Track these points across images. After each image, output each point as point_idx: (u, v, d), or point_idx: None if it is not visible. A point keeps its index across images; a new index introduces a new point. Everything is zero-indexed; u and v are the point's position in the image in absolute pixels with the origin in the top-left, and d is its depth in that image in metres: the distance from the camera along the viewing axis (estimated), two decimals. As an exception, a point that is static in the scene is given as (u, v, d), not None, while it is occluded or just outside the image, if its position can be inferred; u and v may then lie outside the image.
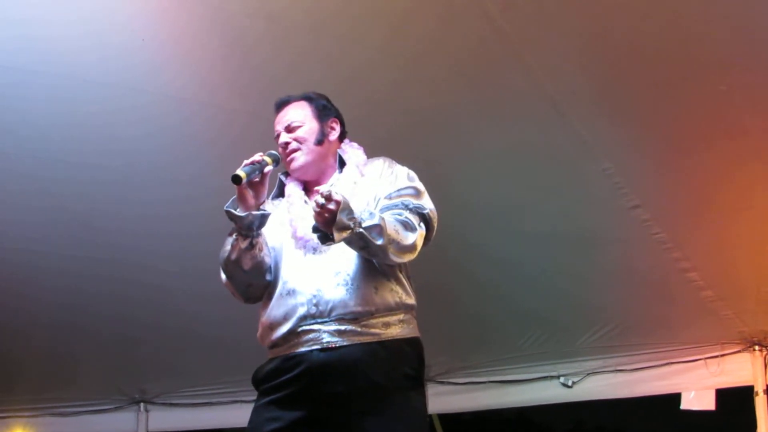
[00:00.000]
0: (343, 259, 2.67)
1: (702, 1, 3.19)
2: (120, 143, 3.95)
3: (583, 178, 4.07)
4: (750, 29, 3.25)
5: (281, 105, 2.89)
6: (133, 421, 6.04)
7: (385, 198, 2.74)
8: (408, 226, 2.66)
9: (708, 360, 5.13)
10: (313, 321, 2.64)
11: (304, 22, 3.36)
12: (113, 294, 4.90)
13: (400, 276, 2.74)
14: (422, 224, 2.72)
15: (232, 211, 2.66)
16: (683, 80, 3.49)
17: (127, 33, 3.41)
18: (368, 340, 2.63)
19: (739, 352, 5.06)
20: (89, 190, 4.20)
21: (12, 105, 3.71)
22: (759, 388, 4.90)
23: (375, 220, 2.55)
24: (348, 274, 2.66)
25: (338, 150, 2.89)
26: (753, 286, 4.60)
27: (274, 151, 2.77)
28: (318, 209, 2.48)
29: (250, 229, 2.68)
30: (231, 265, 2.72)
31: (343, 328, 2.63)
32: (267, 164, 2.69)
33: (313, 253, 2.70)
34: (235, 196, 2.66)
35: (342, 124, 2.91)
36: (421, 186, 2.79)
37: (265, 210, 2.70)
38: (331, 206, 2.46)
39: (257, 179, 2.67)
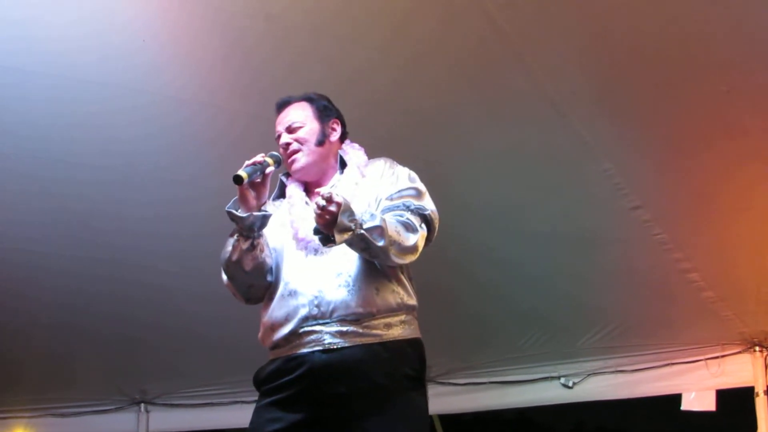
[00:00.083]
0: (345, 260, 2.67)
1: (702, 2, 3.19)
2: (120, 144, 3.95)
3: (584, 179, 4.07)
4: (750, 30, 3.25)
5: (282, 105, 2.89)
6: (133, 421, 6.04)
7: (386, 199, 2.74)
8: (409, 228, 2.66)
9: (708, 361, 5.13)
10: (314, 322, 2.64)
11: (304, 23, 3.36)
12: (114, 294, 4.90)
13: (402, 277, 2.74)
14: (423, 225, 2.72)
15: (234, 211, 2.66)
16: (683, 80, 3.49)
17: (127, 33, 3.41)
18: (370, 341, 2.63)
19: (739, 352, 5.05)
20: (89, 190, 4.20)
21: (12, 105, 3.71)
22: (759, 389, 4.89)
23: (376, 222, 2.55)
24: (349, 275, 2.66)
25: (339, 151, 2.89)
26: (753, 286, 4.59)
27: (275, 152, 2.77)
28: (319, 211, 2.48)
29: (251, 229, 2.68)
30: (232, 266, 2.72)
31: (344, 329, 2.63)
32: (268, 165, 2.69)
33: (315, 254, 2.70)
34: (236, 197, 2.67)
35: (343, 125, 2.92)
36: (422, 187, 2.79)
37: (266, 211, 2.70)
38: (332, 208, 2.46)
39: (258, 180, 2.67)
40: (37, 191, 4.19)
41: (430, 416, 5.45)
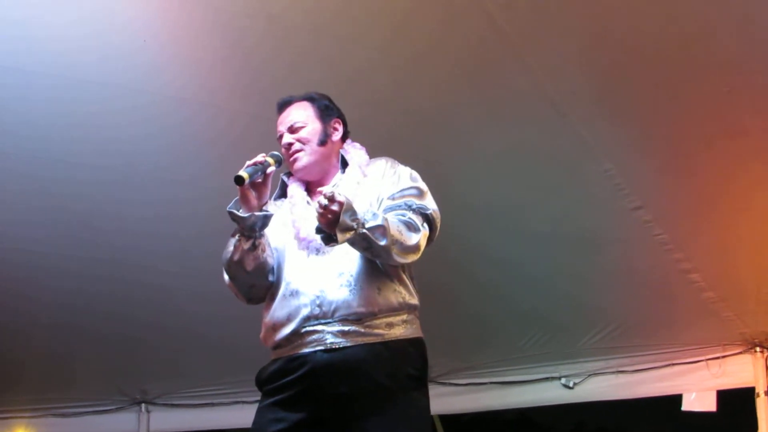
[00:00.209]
0: (347, 260, 2.67)
1: (703, 2, 3.19)
2: (120, 144, 3.94)
3: (584, 179, 4.06)
4: (751, 30, 3.25)
5: (283, 105, 2.89)
6: (134, 421, 6.04)
7: (388, 198, 2.74)
8: (411, 227, 2.66)
9: (709, 361, 5.12)
10: (316, 322, 2.64)
11: (304, 23, 3.36)
12: (114, 294, 4.90)
13: (403, 276, 2.74)
14: (425, 225, 2.72)
15: (235, 212, 2.66)
16: (684, 81, 3.49)
17: (127, 34, 3.40)
18: (372, 341, 2.63)
19: (740, 353, 5.05)
20: (89, 190, 4.20)
21: (12, 105, 3.71)
22: (760, 390, 4.89)
23: (378, 221, 2.55)
24: (351, 275, 2.66)
25: (340, 150, 2.89)
26: (754, 287, 4.59)
27: (276, 152, 2.77)
28: (321, 210, 2.48)
29: (252, 229, 2.68)
30: (234, 266, 2.72)
31: (346, 328, 2.63)
32: (270, 165, 2.69)
33: (316, 254, 2.70)
34: (237, 197, 2.66)
35: (344, 125, 2.92)
36: (424, 186, 2.79)
37: (267, 211, 2.70)
38: (334, 207, 2.46)
39: (260, 180, 2.67)
40: (37, 191, 4.19)
41: (431, 416, 5.46)
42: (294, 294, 2.69)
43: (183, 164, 4.07)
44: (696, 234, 4.32)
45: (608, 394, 5.49)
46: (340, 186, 2.76)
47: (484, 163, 4.04)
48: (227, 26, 3.39)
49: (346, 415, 2.61)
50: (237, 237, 2.70)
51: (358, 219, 2.51)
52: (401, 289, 2.71)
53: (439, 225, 2.78)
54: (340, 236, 2.49)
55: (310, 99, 2.89)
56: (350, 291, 2.64)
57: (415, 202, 2.73)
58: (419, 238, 2.67)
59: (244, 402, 5.76)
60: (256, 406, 2.77)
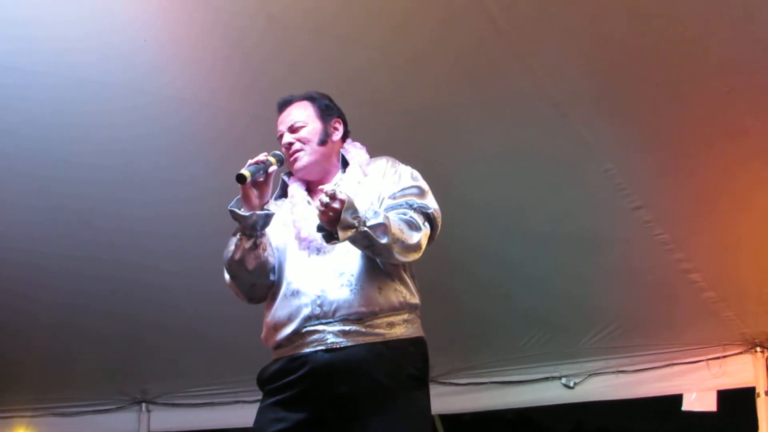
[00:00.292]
0: (347, 259, 2.67)
1: (703, 2, 3.19)
2: (120, 143, 3.95)
3: (585, 179, 4.06)
4: (751, 30, 3.25)
5: (284, 105, 2.89)
6: (134, 421, 6.04)
7: (389, 198, 2.74)
8: (413, 226, 2.66)
9: (710, 361, 5.12)
10: (317, 322, 2.64)
11: (304, 23, 3.36)
12: (114, 294, 4.90)
13: (404, 276, 2.74)
14: (427, 223, 2.72)
15: (236, 210, 2.66)
16: (684, 81, 3.49)
17: (128, 33, 3.41)
18: (373, 341, 2.63)
19: (740, 353, 5.04)
20: (89, 189, 4.20)
21: (12, 105, 3.72)
22: (761, 390, 4.89)
23: (379, 219, 2.55)
24: (352, 275, 2.66)
25: (341, 150, 2.89)
26: (755, 287, 4.59)
27: (278, 152, 2.77)
28: (322, 208, 2.48)
29: (254, 228, 2.68)
30: (235, 265, 2.72)
31: (347, 328, 2.63)
32: (271, 164, 2.70)
33: (317, 254, 2.70)
34: (239, 196, 2.66)
35: (345, 124, 2.92)
36: (425, 185, 2.79)
37: (269, 210, 2.70)
38: (336, 205, 2.46)
39: (261, 179, 2.67)
40: (37, 190, 4.20)
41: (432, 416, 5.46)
42: (295, 294, 2.69)
43: (183, 164, 4.07)
44: (696, 234, 4.32)
45: (608, 394, 5.48)
46: (341, 185, 2.75)
47: (485, 163, 4.03)
48: (227, 26, 3.39)
49: (347, 414, 2.61)
50: (238, 236, 2.70)
51: (359, 217, 2.51)
52: (402, 288, 2.71)
53: (440, 224, 2.78)
54: (341, 234, 2.49)
55: (310, 98, 2.89)
56: (351, 291, 2.64)
57: (416, 201, 2.73)
58: (420, 236, 2.67)
59: (244, 401, 5.76)
60: (256, 405, 2.78)
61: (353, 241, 2.55)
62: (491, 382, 5.66)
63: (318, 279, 2.67)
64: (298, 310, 2.67)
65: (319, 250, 2.70)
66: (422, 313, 2.79)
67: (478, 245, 4.55)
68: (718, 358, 5.11)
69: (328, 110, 2.88)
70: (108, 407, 6.04)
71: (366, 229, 2.52)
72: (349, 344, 2.62)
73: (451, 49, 3.43)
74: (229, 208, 2.67)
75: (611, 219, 4.30)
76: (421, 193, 2.76)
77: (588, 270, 4.68)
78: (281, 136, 2.84)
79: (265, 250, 2.72)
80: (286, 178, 2.91)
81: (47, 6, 3.31)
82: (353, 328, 2.63)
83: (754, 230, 4.25)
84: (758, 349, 4.97)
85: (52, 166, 4.03)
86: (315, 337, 2.64)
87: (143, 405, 6.03)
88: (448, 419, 6.13)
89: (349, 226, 2.49)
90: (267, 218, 2.69)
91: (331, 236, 2.53)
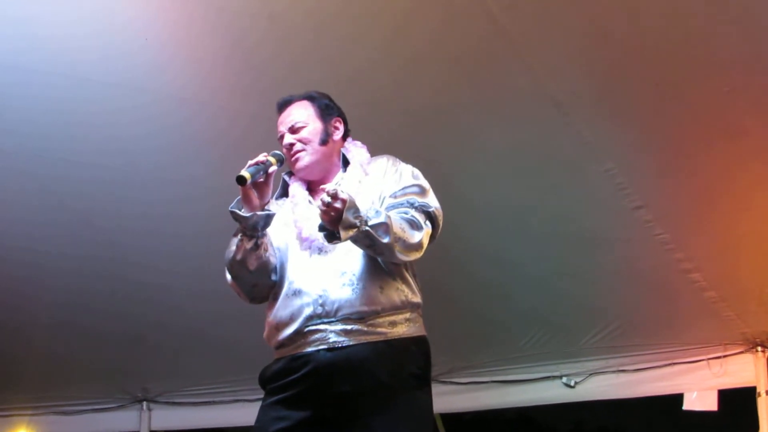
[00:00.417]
0: (349, 259, 2.67)
1: (704, 2, 3.19)
2: (121, 142, 3.95)
3: (586, 179, 4.06)
4: (751, 30, 3.25)
5: (284, 105, 2.88)
6: (135, 419, 6.05)
7: (390, 197, 2.74)
8: (414, 225, 2.67)
9: (710, 361, 5.11)
10: (319, 321, 2.64)
11: (305, 23, 3.36)
12: (115, 293, 4.90)
13: (406, 275, 2.74)
14: (428, 222, 2.72)
15: (237, 211, 2.66)
16: (685, 81, 3.49)
17: (128, 33, 3.41)
18: (374, 339, 2.63)
19: (741, 353, 5.04)
20: (90, 189, 4.21)
21: (13, 104, 3.72)
22: (761, 389, 4.88)
23: (381, 219, 2.55)
24: (354, 274, 2.66)
25: (342, 149, 2.89)
26: (755, 287, 4.58)
27: (278, 152, 2.77)
28: (324, 208, 2.48)
29: (254, 229, 2.68)
30: (236, 266, 2.72)
31: (349, 327, 2.63)
32: (271, 165, 2.69)
33: (319, 254, 2.70)
34: (239, 197, 2.66)
35: (345, 123, 2.91)
36: (426, 184, 2.79)
37: (269, 210, 2.70)
38: (338, 205, 2.46)
39: (261, 180, 2.67)
40: (37, 189, 4.20)
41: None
42: (297, 293, 2.69)
43: (184, 163, 4.07)
44: (697, 234, 4.32)
45: (609, 394, 5.48)
46: (342, 185, 2.75)
47: (485, 162, 4.03)
48: (228, 26, 3.40)
49: (348, 413, 2.61)
50: (239, 237, 2.70)
51: (361, 216, 2.51)
52: (404, 287, 2.71)
53: (441, 223, 2.78)
54: (343, 234, 2.49)
55: (310, 98, 2.89)
56: (353, 290, 2.64)
57: (418, 199, 2.73)
58: (422, 235, 2.67)
59: (245, 400, 5.77)
60: (257, 404, 2.78)
61: (355, 240, 2.56)
62: (492, 382, 5.66)
63: (320, 278, 2.67)
64: (300, 309, 2.67)
65: (320, 250, 2.70)
66: (423, 312, 2.78)
67: (479, 245, 4.55)
68: (718, 357, 5.10)
69: (328, 110, 2.88)
70: (109, 406, 6.04)
71: (368, 228, 2.52)
72: (351, 343, 2.62)
73: (451, 48, 3.43)
74: (229, 209, 2.67)
75: (612, 219, 4.29)
76: (422, 192, 2.76)
77: (588, 269, 4.68)
78: (282, 136, 2.84)
79: (266, 250, 2.71)
80: (286, 178, 2.91)
81: (48, 5, 3.32)
82: (355, 327, 2.63)
83: (754, 230, 4.25)
84: (759, 348, 4.97)
85: (53, 165, 4.03)
86: (317, 336, 2.64)
87: (144, 404, 6.03)
88: (449, 418, 6.12)
89: (351, 226, 2.49)
90: (268, 219, 2.69)
91: (332, 236, 2.53)
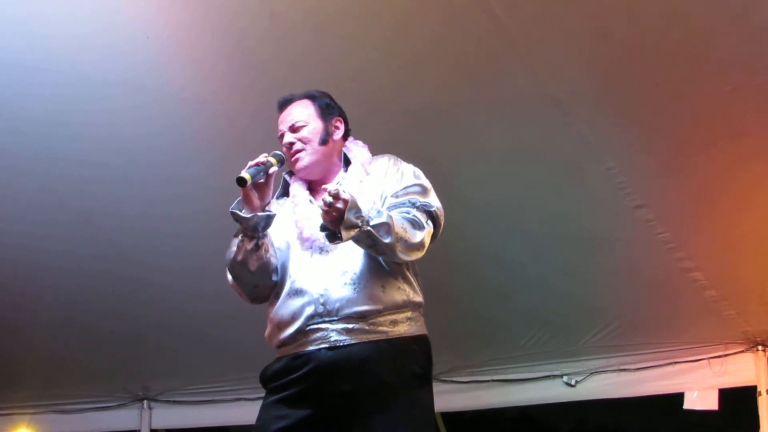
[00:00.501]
0: (350, 258, 2.67)
1: (705, 1, 3.18)
2: (121, 142, 3.95)
3: (587, 178, 4.06)
4: (753, 29, 3.25)
5: (284, 104, 2.88)
6: (136, 418, 6.05)
7: (392, 196, 2.74)
8: (416, 224, 2.67)
9: (711, 360, 5.12)
10: (320, 320, 2.64)
11: (306, 22, 3.36)
12: (116, 292, 4.90)
13: (408, 274, 2.74)
14: (429, 222, 2.72)
15: (238, 212, 2.66)
16: (686, 80, 3.48)
17: (129, 31, 3.41)
18: (376, 338, 2.63)
19: (742, 352, 5.04)
20: (90, 188, 4.21)
21: (14, 102, 3.72)
22: (762, 388, 4.89)
23: (383, 219, 2.55)
24: (355, 273, 2.66)
25: (343, 148, 2.89)
26: (756, 286, 4.59)
27: (278, 152, 2.76)
28: (326, 208, 2.48)
29: (255, 230, 2.67)
30: (237, 266, 2.72)
31: (350, 326, 2.63)
32: (272, 165, 2.69)
33: (320, 253, 2.70)
34: (239, 198, 2.66)
35: (346, 123, 2.91)
36: (427, 183, 2.79)
37: (270, 211, 2.70)
38: (339, 205, 2.47)
39: (262, 180, 2.67)
40: (38, 188, 4.20)
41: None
42: (298, 293, 2.69)
43: (184, 163, 4.07)
44: (698, 233, 4.32)
45: (610, 393, 5.48)
46: (344, 184, 2.75)
47: (486, 162, 4.03)
48: (229, 25, 3.40)
49: (349, 412, 2.62)
50: (240, 237, 2.69)
51: (362, 216, 2.51)
52: (405, 286, 2.71)
53: (443, 222, 2.78)
54: (344, 234, 2.49)
55: (310, 97, 2.88)
56: (354, 289, 2.64)
57: (419, 199, 2.73)
58: (423, 235, 2.67)
59: (245, 399, 5.77)
60: (258, 403, 2.78)
61: (356, 240, 2.56)
62: (493, 381, 5.66)
63: (321, 278, 2.66)
64: (302, 308, 2.67)
65: (321, 250, 2.70)
66: (424, 311, 2.78)
67: (479, 244, 4.55)
68: (719, 356, 5.10)
69: (328, 109, 2.87)
70: (110, 404, 6.05)
71: (369, 228, 2.52)
72: (353, 342, 2.62)
73: (452, 48, 3.43)
74: (230, 210, 2.67)
75: (612, 218, 4.29)
76: (424, 192, 2.76)
77: (589, 269, 4.68)
78: (282, 135, 2.83)
79: (267, 250, 2.71)
80: (287, 177, 2.91)
81: (49, 3, 3.32)
82: (356, 326, 2.63)
83: (755, 229, 4.25)
84: (760, 347, 4.97)
85: (53, 164, 4.03)
86: (318, 335, 2.64)
87: (145, 402, 6.04)
88: (450, 417, 6.13)
89: (353, 226, 2.49)
90: (268, 219, 2.69)
91: (334, 236, 2.53)
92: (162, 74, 3.60)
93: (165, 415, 6.08)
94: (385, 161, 2.85)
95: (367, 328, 2.63)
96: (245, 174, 2.60)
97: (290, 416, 2.65)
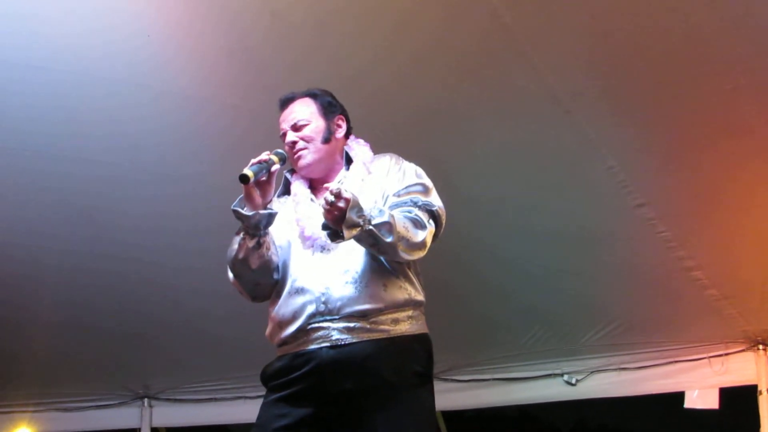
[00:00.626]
0: (352, 257, 2.67)
1: (707, 0, 3.18)
2: (123, 140, 3.95)
3: (588, 177, 4.06)
4: (755, 27, 3.24)
5: (286, 102, 2.87)
6: (137, 416, 6.06)
7: (394, 195, 2.74)
8: (417, 224, 2.66)
9: (712, 359, 5.12)
10: (322, 319, 2.64)
11: (308, 20, 3.36)
12: (117, 290, 4.90)
13: (409, 273, 2.74)
14: (431, 221, 2.72)
15: (240, 210, 2.66)
16: (688, 78, 3.48)
17: (131, 29, 3.41)
18: (377, 337, 2.63)
19: (743, 351, 5.05)
20: (93, 186, 4.20)
21: (15, 101, 3.72)
22: (763, 387, 4.90)
23: (384, 218, 2.55)
24: (357, 272, 2.66)
25: (344, 147, 2.89)
26: (757, 285, 4.59)
27: (280, 150, 2.76)
28: (328, 207, 2.48)
29: (257, 228, 2.67)
30: (238, 264, 2.72)
31: (352, 325, 2.63)
32: (274, 163, 2.68)
33: (321, 252, 2.70)
34: (241, 195, 2.66)
35: (348, 121, 2.90)
36: (429, 183, 2.79)
37: (272, 209, 2.70)
38: (341, 204, 2.47)
39: (264, 178, 2.66)
40: (40, 187, 4.20)
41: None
42: (299, 291, 2.69)
43: (185, 161, 4.07)
44: (699, 231, 4.32)
45: (610, 391, 5.49)
46: (345, 183, 2.75)
47: (488, 160, 4.03)
48: (230, 24, 3.39)
49: (351, 411, 2.62)
50: (241, 235, 2.69)
51: (364, 215, 2.51)
52: (407, 285, 2.71)
53: (444, 222, 2.78)
54: (346, 233, 2.49)
55: (312, 95, 2.88)
56: (355, 288, 2.64)
57: (421, 198, 2.73)
58: (425, 234, 2.67)
59: (246, 397, 5.78)
60: (258, 401, 2.78)
61: (358, 239, 2.56)
62: (493, 379, 5.67)
63: (323, 277, 2.67)
64: (303, 307, 2.67)
65: (323, 248, 2.70)
66: (425, 310, 2.78)
67: (480, 242, 4.55)
68: (720, 355, 5.11)
69: (331, 107, 2.87)
70: (110, 403, 6.06)
71: (371, 227, 2.52)
72: (354, 341, 2.62)
73: (455, 46, 3.42)
74: (232, 207, 2.67)
75: (614, 216, 4.30)
76: (426, 191, 2.76)
77: (590, 267, 4.69)
78: (284, 133, 2.83)
79: (268, 249, 2.71)
80: (288, 175, 2.91)
81: (50, 2, 3.31)
82: (358, 324, 2.63)
83: (757, 228, 4.25)
84: (761, 346, 4.98)
85: (55, 162, 4.03)
86: (320, 334, 2.64)
87: (145, 400, 6.05)
88: (451, 416, 6.14)
89: (355, 225, 2.49)
90: (270, 217, 2.69)
91: (336, 234, 2.53)
92: (163, 73, 3.60)
93: (166, 413, 6.09)
94: (387, 160, 2.84)
95: (368, 326, 2.63)
96: (248, 171, 2.60)
97: (291, 415, 2.65)
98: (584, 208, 4.29)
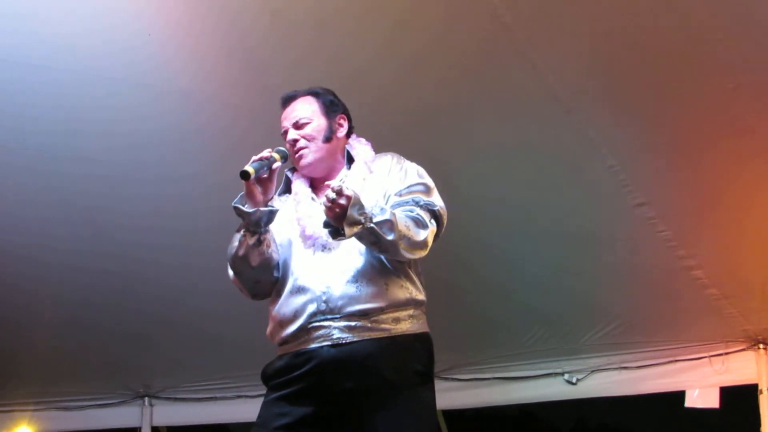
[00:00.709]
0: (353, 256, 2.67)
1: (707, 0, 3.18)
2: (123, 139, 3.95)
3: (589, 176, 4.06)
4: (756, 27, 3.24)
5: (288, 100, 2.87)
6: (137, 415, 6.05)
7: (395, 195, 2.74)
8: (419, 223, 2.66)
9: (712, 358, 5.11)
10: (323, 318, 2.64)
11: (308, 19, 3.36)
12: (118, 289, 4.90)
13: (410, 272, 2.74)
14: (433, 221, 2.72)
15: (240, 207, 2.65)
16: (689, 78, 3.48)
17: (132, 28, 3.41)
18: (378, 336, 2.63)
19: (743, 350, 5.04)
20: (93, 185, 4.21)
21: (16, 100, 3.72)
22: (763, 387, 4.89)
23: (386, 216, 2.55)
24: (358, 271, 2.66)
25: (346, 146, 2.88)
26: (758, 284, 4.58)
27: (282, 148, 2.76)
28: (329, 204, 2.48)
29: (257, 225, 2.67)
30: (239, 262, 2.71)
31: (353, 324, 2.63)
32: (275, 160, 2.68)
33: (323, 251, 2.70)
34: (242, 193, 2.66)
35: (349, 120, 2.90)
36: (430, 182, 2.79)
37: (273, 206, 2.70)
38: (342, 201, 2.47)
39: (265, 175, 2.66)
40: (41, 186, 4.20)
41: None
42: (300, 290, 2.68)
43: (186, 160, 4.07)
44: (700, 231, 4.32)
45: (611, 390, 5.48)
46: (347, 182, 2.74)
47: (489, 160, 4.04)
48: (231, 23, 3.40)
49: (351, 410, 2.62)
50: (242, 232, 2.69)
51: (365, 213, 2.51)
52: (408, 284, 2.71)
53: (445, 221, 2.78)
54: (347, 230, 2.49)
55: (314, 94, 2.87)
56: (357, 287, 2.64)
57: (423, 198, 2.73)
58: (427, 234, 2.67)
59: (246, 396, 5.77)
60: (259, 400, 2.78)
61: (359, 237, 2.56)
62: (494, 378, 5.66)
63: (324, 275, 2.66)
64: (304, 306, 2.66)
65: (324, 247, 2.70)
66: (426, 309, 2.78)
67: (481, 242, 4.55)
68: (720, 354, 5.10)
69: (332, 106, 2.86)
70: (111, 401, 6.04)
71: (372, 225, 2.52)
72: (355, 340, 2.62)
73: (455, 45, 3.43)
74: (233, 204, 2.66)
75: (614, 216, 4.30)
76: (427, 190, 2.76)
77: (591, 267, 4.68)
78: (285, 132, 2.82)
79: (269, 246, 2.71)
80: (289, 174, 2.90)
81: (51, 1, 3.32)
82: (359, 323, 2.63)
83: (757, 227, 4.25)
84: (761, 346, 4.97)
85: (56, 161, 4.04)
86: (321, 332, 2.64)
87: (146, 399, 6.03)
88: (451, 415, 6.13)
89: (356, 223, 2.49)
90: (271, 215, 2.69)
91: (337, 232, 2.53)
92: (163, 72, 3.60)
93: (166, 412, 6.08)
94: (389, 159, 2.84)
95: (369, 325, 2.63)
96: (249, 168, 2.60)
97: (292, 413, 2.65)
98: (584, 207, 4.29)
